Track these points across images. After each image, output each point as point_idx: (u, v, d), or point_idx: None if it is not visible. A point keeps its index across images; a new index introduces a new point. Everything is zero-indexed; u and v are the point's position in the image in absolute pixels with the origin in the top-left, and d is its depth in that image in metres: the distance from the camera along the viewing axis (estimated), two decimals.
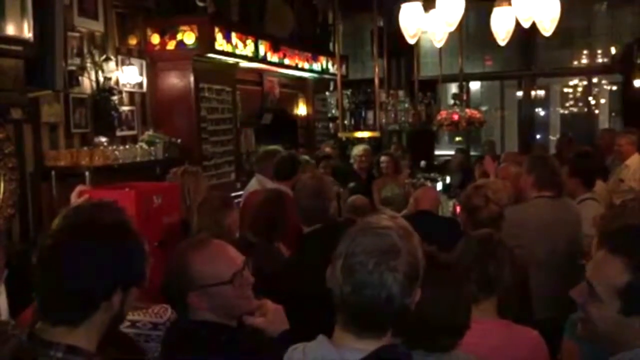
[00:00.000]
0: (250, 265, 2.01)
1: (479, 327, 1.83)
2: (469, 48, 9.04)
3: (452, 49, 7.63)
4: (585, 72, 11.35)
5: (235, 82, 6.66)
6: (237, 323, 1.97)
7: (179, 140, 5.69)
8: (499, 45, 5.04)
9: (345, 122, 7.06)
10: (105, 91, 5.19)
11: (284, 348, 1.62)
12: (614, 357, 1.48)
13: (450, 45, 6.35)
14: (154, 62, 5.91)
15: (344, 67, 8.39)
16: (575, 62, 11.07)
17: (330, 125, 9.10)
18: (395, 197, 6.19)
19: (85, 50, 5.09)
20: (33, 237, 4.45)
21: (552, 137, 12.23)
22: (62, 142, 4.91)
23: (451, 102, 7.51)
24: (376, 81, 6.51)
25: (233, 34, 6.21)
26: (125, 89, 5.56)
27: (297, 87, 8.52)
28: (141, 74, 5.74)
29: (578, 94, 12.69)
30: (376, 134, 6.77)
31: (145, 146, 5.41)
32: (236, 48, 6.29)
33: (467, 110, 6.85)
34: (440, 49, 6.34)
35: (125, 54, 5.58)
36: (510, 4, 4.51)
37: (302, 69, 7.97)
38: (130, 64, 5.52)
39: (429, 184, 6.78)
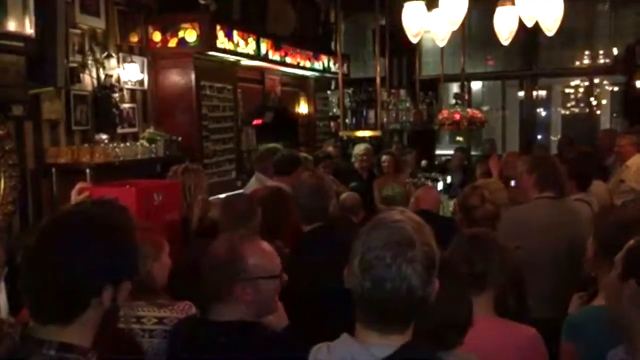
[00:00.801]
0: None
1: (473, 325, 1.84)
2: (471, 48, 9.01)
3: (454, 48, 7.64)
4: (587, 73, 11.34)
5: (236, 80, 6.65)
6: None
7: (179, 138, 5.68)
8: (500, 45, 5.04)
9: (347, 121, 7.05)
10: (106, 88, 5.18)
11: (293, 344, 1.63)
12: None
13: (452, 45, 6.35)
14: (156, 59, 5.90)
15: (345, 65, 8.38)
16: (577, 63, 11.05)
17: (332, 124, 9.09)
18: (396, 196, 6.18)
19: (87, 47, 5.09)
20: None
21: (553, 138, 12.22)
22: (62, 139, 4.90)
23: (453, 101, 7.50)
24: (378, 80, 6.51)
25: (235, 32, 6.20)
26: (127, 86, 5.55)
27: (298, 85, 8.51)
28: (142, 72, 5.74)
29: (580, 95, 12.68)
30: (377, 133, 6.77)
31: (146, 144, 5.40)
32: (238, 46, 6.28)
33: (469, 110, 6.85)
34: (442, 48, 6.34)
35: (127, 51, 5.57)
36: (513, 4, 4.50)
37: (304, 68, 7.96)
38: (131, 61, 5.51)
39: (429, 183, 6.78)
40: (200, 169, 4.08)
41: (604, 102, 12.36)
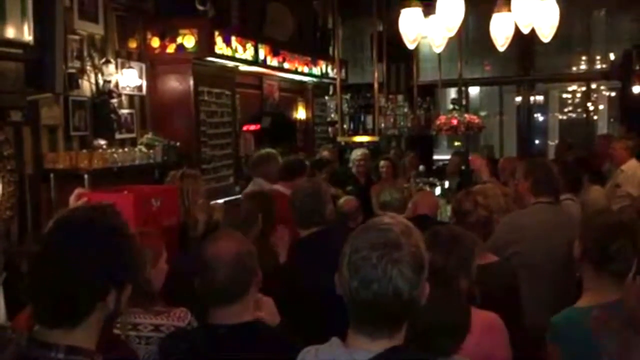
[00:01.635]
0: None
1: None
2: (468, 53, 9.04)
3: (452, 54, 7.64)
4: (583, 78, 11.38)
5: (234, 85, 6.67)
6: None
7: (178, 144, 5.69)
8: (498, 51, 5.06)
9: (345, 126, 7.07)
10: (104, 94, 5.20)
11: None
12: None
13: (450, 51, 6.36)
14: (154, 65, 5.92)
15: (343, 71, 8.40)
16: (574, 68, 11.10)
17: (330, 129, 9.11)
18: (393, 202, 6.18)
19: (85, 53, 5.10)
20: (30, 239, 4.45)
21: (550, 143, 12.26)
22: (61, 145, 4.91)
23: (450, 107, 7.52)
24: (375, 86, 6.53)
25: (233, 38, 6.22)
26: (125, 92, 5.56)
27: (296, 91, 8.53)
28: (141, 77, 5.75)
29: (577, 100, 12.73)
30: (375, 138, 6.78)
31: (144, 149, 5.41)
32: (236, 52, 6.30)
33: (466, 115, 6.86)
34: (440, 54, 6.36)
35: (125, 57, 5.59)
36: (509, 10, 4.52)
37: (302, 73, 7.98)
38: (130, 67, 5.53)
39: (427, 188, 6.78)
40: (198, 174, 4.09)
41: (600, 107, 12.41)
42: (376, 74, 6.55)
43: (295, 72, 7.79)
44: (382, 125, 7.39)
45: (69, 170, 4.68)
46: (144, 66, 5.81)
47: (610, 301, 2.01)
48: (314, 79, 8.49)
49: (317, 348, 1.49)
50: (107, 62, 5.26)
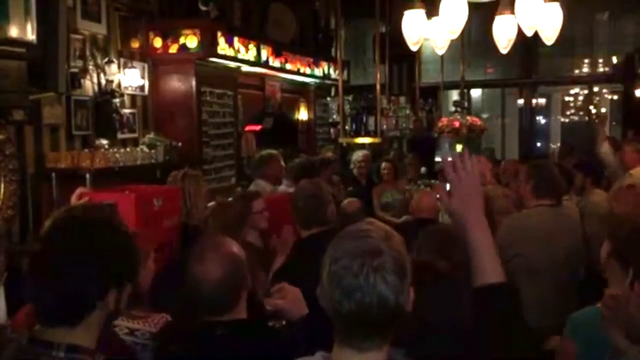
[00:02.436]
0: None
1: None
2: (471, 55, 9.04)
3: (454, 56, 7.65)
4: (586, 81, 11.38)
5: (236, 86, 6.67)
6: None
7: (179, 144, 5.69)
8: (500, 53, 5.05)
9: (346, 127, 7.06)
10: (107, 94, 5.20)
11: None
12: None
13: (452, 53, 6.36)
14: (156, 65, 5.92)
15: (345, 72, 8.40)
16: (577, 71, 11.10)
17: (331, 130, 9.11)
18: (394, 203, 6.19)
19: (88, 53, 5.11)
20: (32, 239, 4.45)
21: (552, 145, 12.24)
22: (63, 144, 4.91)
23: (452, 109, 7.51)
24: (377, 87, 6.52)
25: (235, 39, 6.23)
26: (127, 91, 5.57)
27: (298, 92, 8.54)
28: (143, 77, 5.75)
29: (579, 103, 12.72)
30: (377, 139, 6.77)
31: (146, 149, 5.41)
32: (238, 52, 6.30)
33: (468, 117, 6.84)
34: (442, 56, 6.36)
35: (128, 57, 5.59)
36: (512, 13, 4.52)
37: (304, 74, 7.99)
38: (132, 66, 5.53)
39: (427, 189, 6.77)
40: (200, 174, 4.08)
41: (603, 110, 12.39)
42: (378, 76, 6.54)
43: (298, 73, 7.80)
44: (384, 126, 7.39)
45: (71, 169, 4.68)
46: (146, 66, 5.81)
47: None
48: (316, 80, 8.49)
49: None
50: (110, 61, 5.26)
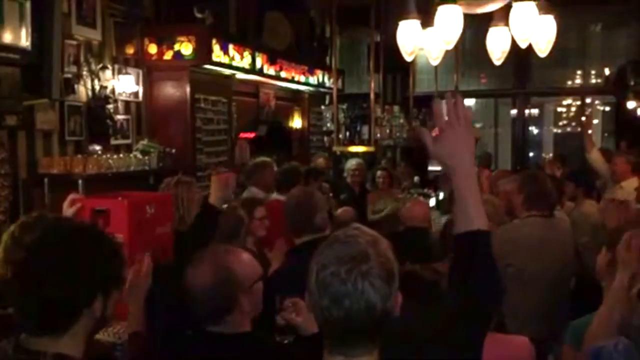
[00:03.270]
0: None
1: None
2: (465, 65, 9.10)
3: (448, 65, 7.68)
4: (578, 93, 11.45)
5: (231, 93, 6.67)
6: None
7: (173, 150, 5.68)
8: (494, 64, 5.08)
9: (340, 136, 7.07)
10: (100, 99, 5.19)
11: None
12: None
13: (446, 62, 6.39)
14: (151, 71, 5.92)
15: (340, 81, 8.42)
16: (569, 82, 11.17)
17: (325, 138, 9.11)
18: (387, 212, 6.20)
19: (82, 59, 5.09)
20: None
21: (545, 156, 12.29)
22: (56, 150, 4.90)
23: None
24: (372, 96, 6.54)
25: (230, 46, 6.23)
26: (121, 97, 5.56)
27: (293, 99, 8.55)
28: (137, 83, 5.75)
29: (571, 114, 12.79)
30: (371, 148, 6.79)
31: (139, 155, 5.40)
32: (233, 60, 6.31)
33: None
34: (436, 66, 6.39)
35: (122, 63, 5.58)
36: (506, 24, 4.55)
37: (299, 82, 8.00)
38: (126, 73, 5.53)
39: (422, 199, 6.79)
40: (193, 181, 4.07)
41: (595, 121, 12.47)
42: (372, 84, 6.57)
43: (292, 81, 7.81)
44: (378, 135, 7.39)
45: (64, 175, 4.66)
46: (140, 72, 5.81)
47: None
48: (311, 88, 8.50)
49: None
50: (104, 67, 5.26)
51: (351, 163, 6.76)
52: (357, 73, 10.77)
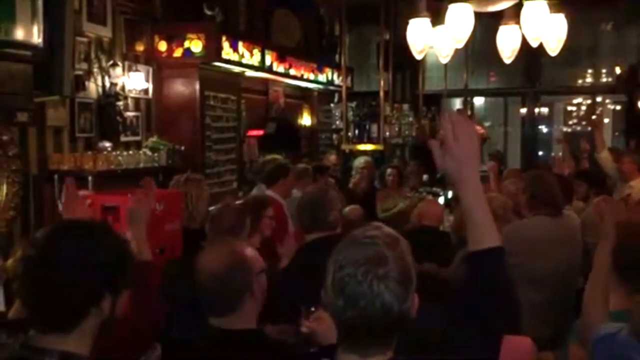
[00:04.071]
0: None
1: None
2: (474, 64, 9.06)
3: (457, 64, 7.67)
4: (589, 91, 11.36)
5: (240, 91, 6.68)
6: None
7: (182, 148, 5.70)
8: (503, 62, 5.06)
9: (349, 134, 7.07)
10: (110, 96, 5.21)
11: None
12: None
13: (456, 61, 6.38)
14: (161, 68, 5.93)
15: (349, 79, 8.41)
16: (580, 81, 11.08)
17: (334, 136, 9.11)
18: (396, 209, 6.19)
19: (93, 56, 5.12)
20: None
21: (554, 155, 12.22)
22: (66, 146, 4.92)
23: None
24: (381, 94, 6.54)
25: (240, 43, 6.24)
26: (131, 94, 5.58)
27: (302, 97, 8.55)
28: (147, 81, 5.77)
29: (582, 113, 12.70)
30: (380, 146, 6.78)
31: (148, 152, 5.42)
32: (243, 57, 6.31)
33: None
34: (446, 64, 6.37)
35: (132, 60, 5.61)
36: (516, 23, 4.53)
37: (308, 80, 8.00)
38: (136, 70, 5.55)
39: (431, 197, 6.77)
40: (202, 178, 4.09)
41: (605, 120, 12.37)
42: (382, 82, 6.56)
43: (301, 78, 7.81)
44: (387, 133, 7.39)
45: (74, 171, 4.68)
46: (150, 69, 5.83)
47: None
48: (320, 86, 8.50)
49: None
50: (114, 64, 5.28)
51: (359, 161, 6.75)
52: (367, 71, 10.74)
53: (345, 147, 6.87)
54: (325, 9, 9.04)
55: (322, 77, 8.34)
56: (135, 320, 1.74)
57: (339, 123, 8.68)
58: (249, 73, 6.69)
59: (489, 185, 4.96)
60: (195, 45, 5.78)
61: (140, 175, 5.00)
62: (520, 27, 4.46)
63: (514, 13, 4.51)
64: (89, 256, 1.38)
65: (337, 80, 8.56)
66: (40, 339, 1.37)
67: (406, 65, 8.95)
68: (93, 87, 5.12)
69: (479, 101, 12.06)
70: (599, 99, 11.77)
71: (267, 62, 6.86)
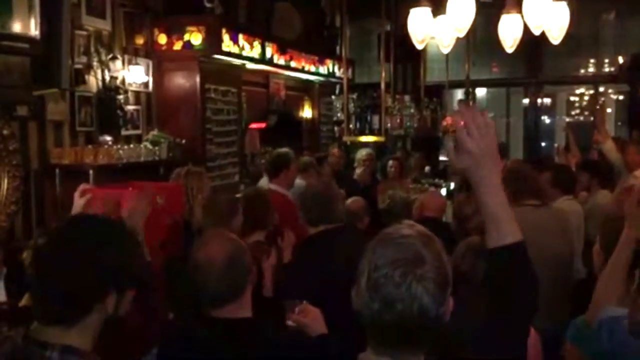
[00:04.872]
0: None
1: None
2: (476, 54, 9.00)
3: (459, 55, 7.62)
4: (591, 81, 11.32)
5: (241, 83, 6.65)
6: None
7: (183, 141, 5.68)
8: (505, 52, 5.03)
9: (351, 126, 7.05)
10: (111, 90, 5.19)
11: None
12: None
13: (457, 51, 6.34)
14: (161, 62, 5.91)
15: (350, 70, 8.38)
16: (582, 71, 11.04)
17: (335, 128, 9.09)
18: (398, 200, 6.19)
19: (92, 49, 5.10)
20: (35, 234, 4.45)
21: (557, 145, 12.19)
22: (66, 140, 4.91)
23: (457, 107, 7.47)
24: (382, 85, 6.51)
25: (240, 36, 6.21)
26: (131, 88, 5.56)
27: (303, 89, 8.52)
28: (147, 74, 5.75)
29: (584, 103, 12.66)
30: (381, 138, 6.76)
31: (149, 146, 5.41)
32: (243, 50, 6.28)
33: None
34: (447, 54, 6.34)
35: (132, 54, 5.58)
36: (518, 12, 4.50)
37: (309, 72, 7.97)
38: (136, 63, 5.53)
39: (433, 189, 6.76)
40: (203, 171, 4.08)
41: (608, 110, 12.34)
42: (383, 74, 6.53)
43: (302, 70, 7.78)
44: (389, 125, 7.35)
45: (74, 165, 4.68)
46: (150, 63, 5.81)
47: None
48: (321, 78, 8.47)
49: None
50: (114, 58, 5.26)
51: (362, 153, 6.75)
52: (368, 63, 10.70)
53: (347, 139, 6.85)
54: (325, 1, 9.00)
55: (323, 69, 8.31)
56: (136, 321, 1.74)
57: (340, 115, 8.66)
58: (250, 65, 6.66)
59: None
60: (195, 38, 5.75)
61: (142, 169, 5.04)
62: (522, 16, 4.42)
63: (516, 2, 4.48)
64: (100, 252, 1.38)
65: (338, 72, 8.52)
66: (42, 331, 1.37)
67: (407, 57, 8.91)
68: (93, 81, 5.10)
69: (481, 92, 12.02)
70: (601, 89, 11.74)
71: (268, 54, 6.83)
